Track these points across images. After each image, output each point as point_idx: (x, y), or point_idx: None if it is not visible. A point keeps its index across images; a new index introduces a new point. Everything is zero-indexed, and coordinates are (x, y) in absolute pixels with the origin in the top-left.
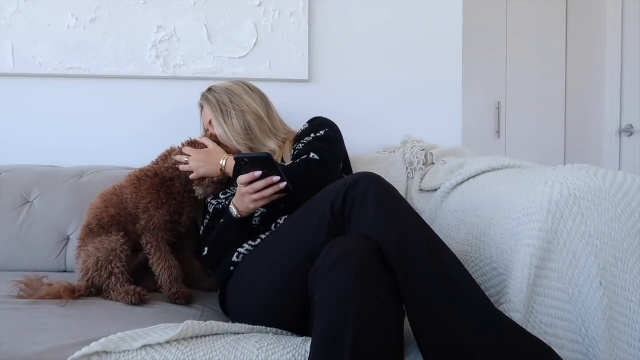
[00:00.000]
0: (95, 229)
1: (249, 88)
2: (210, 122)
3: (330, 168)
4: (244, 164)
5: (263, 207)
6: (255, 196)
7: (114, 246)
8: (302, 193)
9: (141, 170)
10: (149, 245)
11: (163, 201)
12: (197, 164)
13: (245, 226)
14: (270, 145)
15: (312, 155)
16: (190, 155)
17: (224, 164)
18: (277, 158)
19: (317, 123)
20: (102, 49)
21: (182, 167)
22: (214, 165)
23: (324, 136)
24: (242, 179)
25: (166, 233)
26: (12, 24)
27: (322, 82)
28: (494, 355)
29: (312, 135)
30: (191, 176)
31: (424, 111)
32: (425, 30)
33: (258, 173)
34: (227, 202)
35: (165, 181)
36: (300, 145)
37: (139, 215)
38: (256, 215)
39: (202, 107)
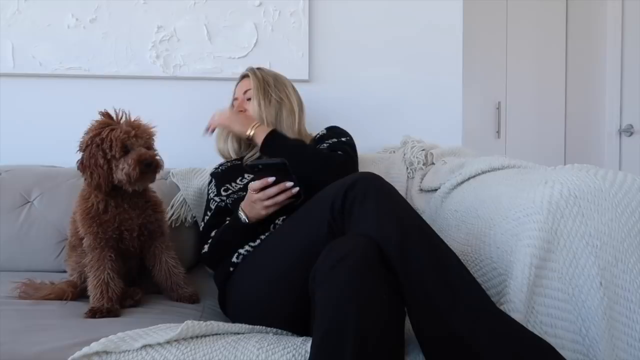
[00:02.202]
0: (77, 243)
1: (293, 87)
2: (245, 92)
3: (350, 168)
4: (257, 170)
5: None
6: (268, 202)
7: None
8: (312, 185)
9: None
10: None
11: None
12: (231, 120)
13: (252, 230)
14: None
15: (339, 152)
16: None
17: (251, 133)
18: None
19: (338, 131)
20: (102, 49)
21: (211, 121)
22: (245, 126)
23: (347, 142)
24: (255, 185)
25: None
26: (12, 24)
27: (322, 82)
28: (495, 354)
29: (335, 139)
30: (216, 125)
31: (424, 111)
32: (425, 30)
33: (271, 179)
34: (229, 201)
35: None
36: (325, 144)
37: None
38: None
39: (243, 77)
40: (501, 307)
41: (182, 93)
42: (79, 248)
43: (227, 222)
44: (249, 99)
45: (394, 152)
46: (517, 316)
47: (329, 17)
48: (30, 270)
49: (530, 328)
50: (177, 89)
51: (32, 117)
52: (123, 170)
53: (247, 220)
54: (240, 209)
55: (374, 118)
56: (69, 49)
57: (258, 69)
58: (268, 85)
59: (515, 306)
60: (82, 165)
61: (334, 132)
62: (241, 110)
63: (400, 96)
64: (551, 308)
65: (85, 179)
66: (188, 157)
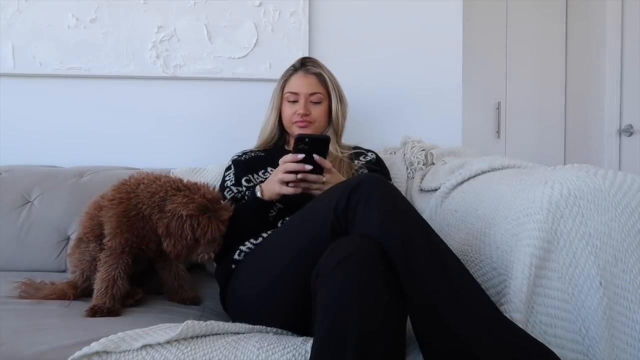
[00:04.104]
0: (88, 239)
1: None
2: (312, 94)
3: None
4: (304, 143)
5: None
6: (284, 176)
7: (94, 255)
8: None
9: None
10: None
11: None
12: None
13: (263, 212)
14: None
15: None
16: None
17: None
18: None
19: (386, 171)
20: (102, 49)
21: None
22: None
23: None
24: (286, 157)
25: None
26: (13, 24)
27: None
28: (495, 356)
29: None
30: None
31: (424, 111)
32: (425, 30)
33: (301, 156)
34: (247, 192)
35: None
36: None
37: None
38: (272, 212)
39: (308, 73)
40: (501, 307)
41: (182, 93)
42: (84, 245)
43: (243, 202)
44: (315, 103)
45: (394, 152)
46: (517, 316)
47: (329, 17)
48: (30, 270)
49: (530, 328)
50: (177, 89)
51: (32, 117)
52: (202, 254)
53: (261, 196)
54: (258, 185)
55: (374, 118)
56: (69, 49)
57: (314, 61)
58: (337, 84)
59: (515, 306)
60: (167, 231)
61: (383, 170)
62: (306, 114)
63: (400, 96)
64: (551, 308)
65: (165, 246)
66: (188, 156)
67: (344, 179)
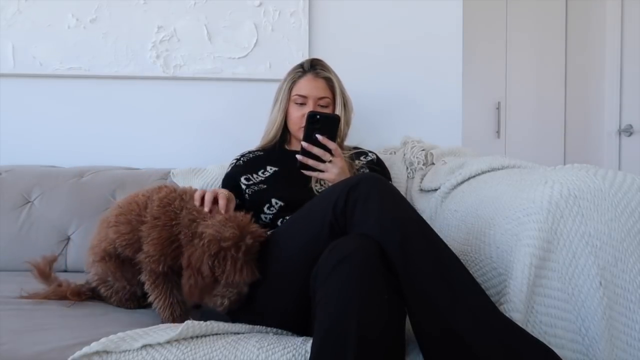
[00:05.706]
0: (129, 254)
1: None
2: (321, 99)
3: None
4: (314, 120)
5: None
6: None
7: (135, 273)
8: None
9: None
10: (147, 283)
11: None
12: (337, 172)
13: None
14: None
15: None
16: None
17: None
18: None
19: (387, 171)
20: (102, 49)
21: (321, 175)
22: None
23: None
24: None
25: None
26: (13, 24)
27: None
28: (495, 356)
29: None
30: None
31: (424, 111)
32: (425, 30)
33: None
34: (249, 191)
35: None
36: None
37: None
38: (268, 212)
39: (318, 76)
40: (501, 307)
41: (182, 93)
42: (127, 262)
43: None
44: (323, 106)
45: (394, 152)
46: (516, 316)
47: (329, 17)
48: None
49: (530, 328)
50: (177, 89)
51: (32, 117)
52: (216, 298)
53: None
54: None
55: (374, 118)
56: (69, 49)
57: (323, 64)
58: (345, 95)
59: (515, 306)
60: (187, 262)
61: (384, 170)
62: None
63: (400, 96)
64: (551, 308)
65: (183, 282)
66: (188, 157)
67: (348, 163)
